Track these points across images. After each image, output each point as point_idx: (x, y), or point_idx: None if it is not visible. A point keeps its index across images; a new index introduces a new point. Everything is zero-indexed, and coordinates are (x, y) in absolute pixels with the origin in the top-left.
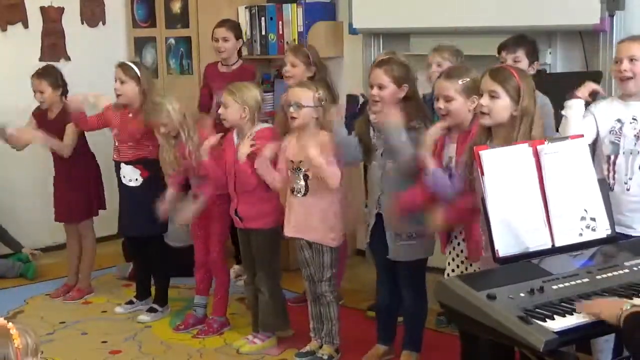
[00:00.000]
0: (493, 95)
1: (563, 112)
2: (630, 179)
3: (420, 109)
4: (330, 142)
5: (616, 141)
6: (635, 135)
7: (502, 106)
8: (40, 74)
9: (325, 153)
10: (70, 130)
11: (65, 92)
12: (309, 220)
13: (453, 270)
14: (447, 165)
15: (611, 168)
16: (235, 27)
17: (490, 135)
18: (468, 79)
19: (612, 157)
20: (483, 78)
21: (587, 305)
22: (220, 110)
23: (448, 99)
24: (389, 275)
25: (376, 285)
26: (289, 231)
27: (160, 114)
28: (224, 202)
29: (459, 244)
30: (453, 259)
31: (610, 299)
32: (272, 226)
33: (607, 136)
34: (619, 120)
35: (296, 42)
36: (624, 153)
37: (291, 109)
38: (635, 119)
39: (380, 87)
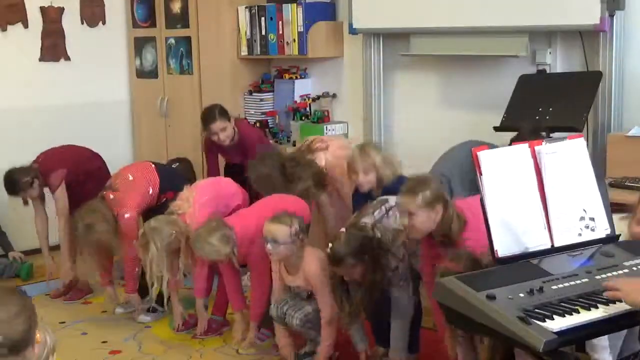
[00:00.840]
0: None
1: None
2: None
3: (386, 268)
4: (320, 263)
5: None
6: None
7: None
8: (12, 192)
9: (314, 286)
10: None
11: (33, 184)
12: None
13: None
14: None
15: None
16: (224, 112)
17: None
18: (428, 192)
19: None
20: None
21: (612, 284)
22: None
23: (410, 214)
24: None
25: None
26: None
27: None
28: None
29: None
30: None
31: (636, 279)
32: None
33: None
34: None
35: (296, 42)
36: None
37: (268, 246)
38: None
39: (349, 274)
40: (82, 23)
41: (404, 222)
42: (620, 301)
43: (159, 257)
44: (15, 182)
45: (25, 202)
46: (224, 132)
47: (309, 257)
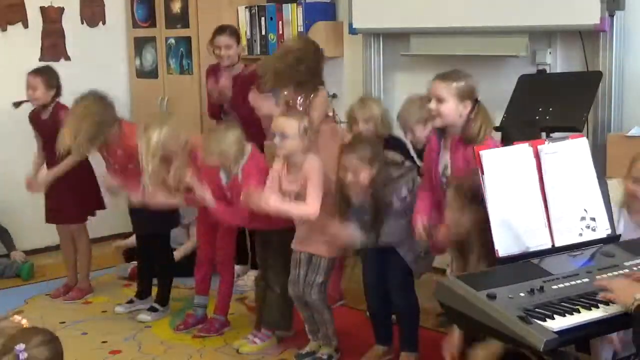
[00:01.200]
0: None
1: None
2: None
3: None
4: (320, 167)
5: None
6: None
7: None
8: (36, 72)
9: (310, 180)
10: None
11: (58, 94)
12: (310, 235)
13: None
14: (443, 173)
15: None
16: (235, 32)
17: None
18: (463, 83)
19: None
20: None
21: (604, 282)
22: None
23: (440, 100)
24: (378, 276)
25: (364, 288)
26: (294, 245)
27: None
28: None
29: None
30: None
31: (627, 281)
32: (290, 225)
33: None
34: None
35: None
36: None
37: (275, 140)
38: None
39: (356, 171)
40: (82, 23)
41: (432, 107)
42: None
43: (155, 146)
44: (53, 71)
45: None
46: (228, 50)
47: (312, 157)
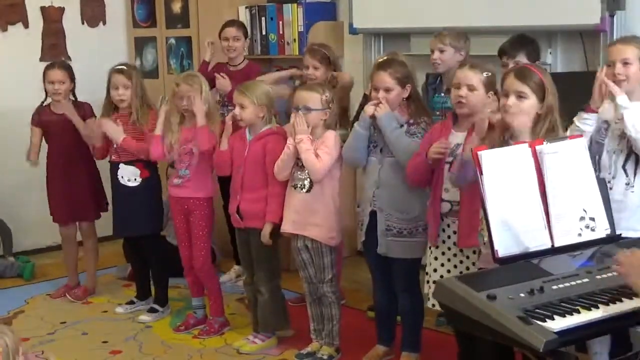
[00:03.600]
0: (521, 96)
1: (578, 124)
2: (614, 177)
3: (421, 107)
4: (336, 141)
5: (601, 141)
6: (619, 136)
7: (529, 106)
8: (59, 65)
9: (327, 145)
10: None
11: (73, 88)
12: (310, 217)
13: (442, 265)
14: (453, 152)
15: (595, 167)
16: (243, 26)
17: (510, 131)
18: (490, 74)
19: (597, 157)
20: (508, 78)
21: (623, 258)
22: (236, 111)
23: (471, 89)
24: (385, 276)
25: (372, 286)
26: (287, 227)
27: (192, 86)
28: (207, 206)
29: (449, 237)
30: (443, 253)
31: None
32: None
33: (594, 136)
34: (605, 121)
35: (296, 42)
36: (607, 152)
37: (299, 113)
38: (620, 120)
39: (387, 90)
40: (83, 23)
41: (461, 93)
42: (621, 300)
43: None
44: (69, 65)
45: (60, 83)
46: (236, 42)
47: (332, 132)
